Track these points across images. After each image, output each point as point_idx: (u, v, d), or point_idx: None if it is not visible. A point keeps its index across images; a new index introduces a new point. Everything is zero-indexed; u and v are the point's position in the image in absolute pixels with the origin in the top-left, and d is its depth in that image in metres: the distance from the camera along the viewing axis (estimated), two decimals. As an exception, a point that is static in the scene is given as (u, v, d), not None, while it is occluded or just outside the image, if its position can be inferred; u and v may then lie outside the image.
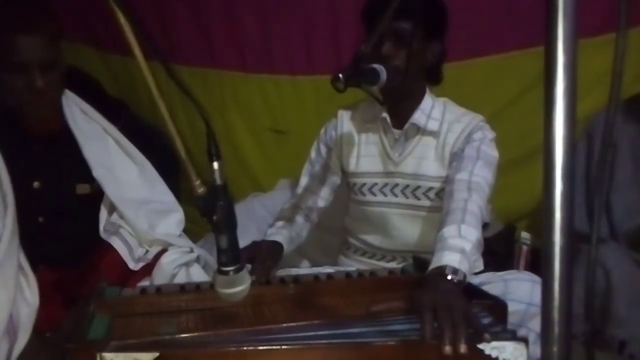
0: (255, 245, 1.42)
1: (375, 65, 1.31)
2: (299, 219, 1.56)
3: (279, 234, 1.49)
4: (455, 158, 1.40)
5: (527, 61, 1.98)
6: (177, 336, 0.94)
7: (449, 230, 1.18)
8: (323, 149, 1.58)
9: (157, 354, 0.86)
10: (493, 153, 1.39)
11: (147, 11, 2.24)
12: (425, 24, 1.36)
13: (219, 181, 0.84)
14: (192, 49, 2.32)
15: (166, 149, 2.23)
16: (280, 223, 1.53)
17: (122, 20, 0.73)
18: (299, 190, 1.61)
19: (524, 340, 0.91)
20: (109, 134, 1.59)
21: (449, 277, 1.05)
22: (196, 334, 0.95)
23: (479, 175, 1.32)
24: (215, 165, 0.83)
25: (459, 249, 1.11)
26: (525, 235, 2.01)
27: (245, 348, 0.89)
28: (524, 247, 1.98)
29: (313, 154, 1.61)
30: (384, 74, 1.31)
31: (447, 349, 0.88)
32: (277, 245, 1.46)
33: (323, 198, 1.59)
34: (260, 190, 2.40)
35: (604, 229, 1.80)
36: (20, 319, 1.10)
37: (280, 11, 2.20)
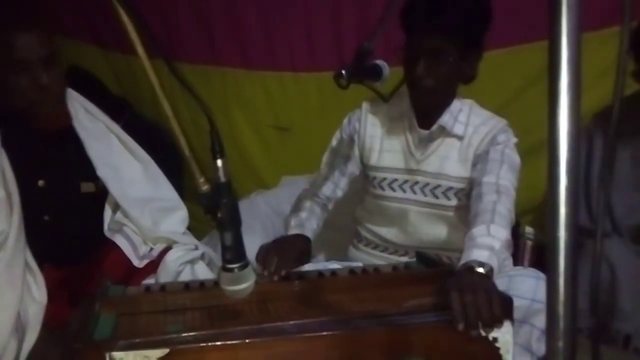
0: (283, 239, 1.41)
1: (378, 61, 1.30)
2: (317, 209, 1.56)
3: (303, 227, 1.48)
4: (480, 160, 1.40)
5: (530, 55, 1.96)
6: (183, 334, 0.94)
7: (478, 230, 1.19)
8: (345, 139, 1.57)
9: (167, 350, 0.86)
10: (516, 158, 1.39)
11: (148, 9, 2.23)
12: (464, 38, 1.34)
13: (222, 179, 0.84)
14: (194, 46, 2.32)
15: (169, 147, 2.24)
16: (304, 215, 1.52)
17: (125, 18, 0.73)
18: (320, 178, 1.60)
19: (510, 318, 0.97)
20: (112, 132, 1.59)
21: (477, 269, 1.08)
22: (203, 332, 0.95)
23: (505, 179, 1.33)
24: (219, 162, 0.84)
25: (487, 247, 1.13)
26: (529, 230, 2.00)
27: (253, 344, 0.89)
28: (528, 242, 1.97)
29: (334, 142, 1.60)
30: (387, 70, 1.30)
31: (467, 330, 0.94)
32: (303, 239, 1.44)
33: (342, 188, 1.59)
34: (263, 187, 2.40)
35: (606, 225, 1.79)
36: (29, 316, 1.11)
37: (282, 7, 2.19)
